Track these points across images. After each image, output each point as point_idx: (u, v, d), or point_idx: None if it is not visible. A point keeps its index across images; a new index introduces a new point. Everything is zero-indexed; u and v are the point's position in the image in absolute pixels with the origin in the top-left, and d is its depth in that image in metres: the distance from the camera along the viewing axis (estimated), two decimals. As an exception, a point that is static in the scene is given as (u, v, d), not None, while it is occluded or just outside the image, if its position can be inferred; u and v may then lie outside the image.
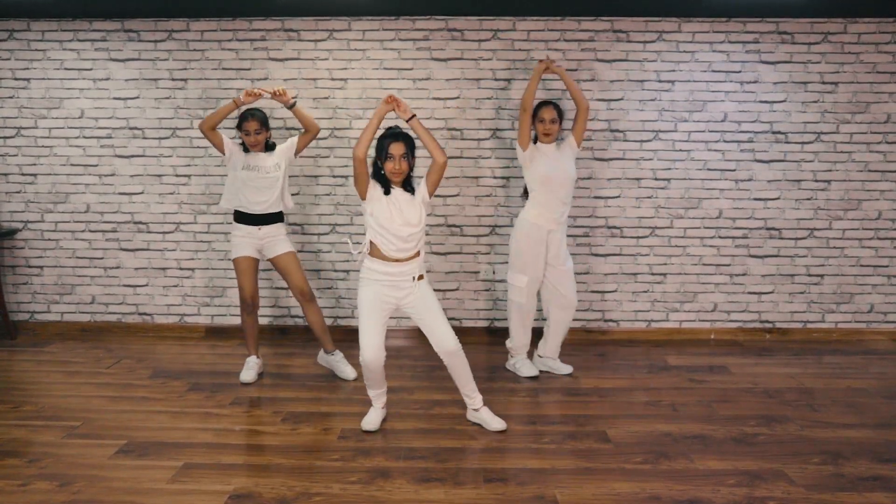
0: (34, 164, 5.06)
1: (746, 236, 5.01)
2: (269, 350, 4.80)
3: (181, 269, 5.12)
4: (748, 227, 5.00)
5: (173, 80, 4.94)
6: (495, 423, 3.49)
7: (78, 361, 4.57)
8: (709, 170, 4.94)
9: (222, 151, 4.09)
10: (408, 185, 3.38)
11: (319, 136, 4.91)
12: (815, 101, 4.88)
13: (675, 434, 3.46)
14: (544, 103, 4.12)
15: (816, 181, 4.96)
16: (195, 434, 3.46)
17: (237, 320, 5.15)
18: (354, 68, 4.89)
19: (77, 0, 4.40)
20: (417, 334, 5.09)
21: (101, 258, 5.14)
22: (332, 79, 4.91)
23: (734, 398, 3.95)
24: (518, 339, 4.30)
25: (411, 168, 3.37)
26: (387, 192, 3.33)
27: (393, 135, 3.31)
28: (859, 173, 4.94)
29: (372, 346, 3.31)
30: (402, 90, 4.89)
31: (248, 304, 4.18)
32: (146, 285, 5.15)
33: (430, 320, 3.39)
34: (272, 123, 4.85)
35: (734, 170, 4.95)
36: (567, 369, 4.34)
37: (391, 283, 3.34)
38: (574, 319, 5.09)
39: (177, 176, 5.03)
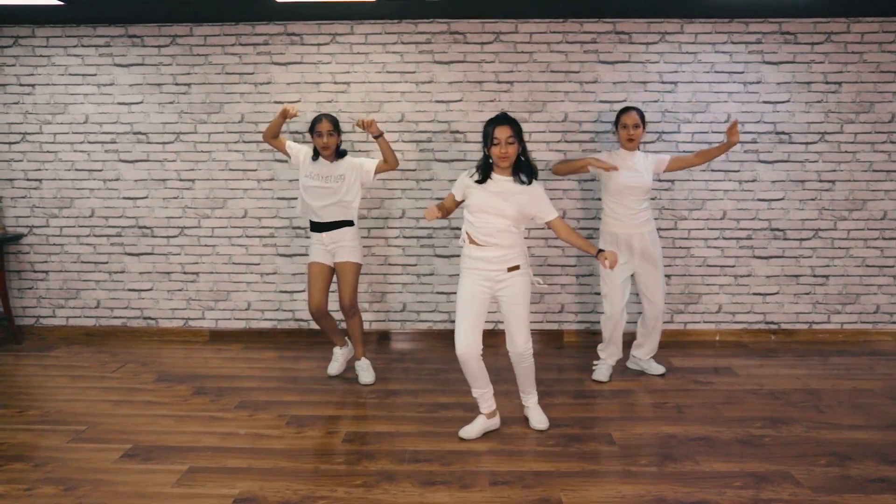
0: (39, 170, 5.08)
1: (751, 237, 4.99)
2: (273, 353, 4.81)
3: (185, 273, 5.13)
4: (752, 228, 4.99)
5: (177, 84, 4.96)
6: (537, 422, 3.54)
7: (83, 366, 4.59)
8: (712, 171, 4.93)
9: (287, 155, 4.15)
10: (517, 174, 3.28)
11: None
12: (819, 102, 4.87)
13: (680, 436, 3.45)
14: (626, 109, 4.08)
15: (821, 181, 4.94)
16: (200, 438, 3.46)
17: (241, 324, 5.16)
18: (357, 72, 4.90)
19: (81, 6, 4.41)
20: (423, 337, 5.09)
21: (106, 262, 5.15)
22: (335, 82, 4.92)
23: (740, 400, 3.94)
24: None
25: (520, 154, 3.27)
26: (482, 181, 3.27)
27: (497, 118, 3.23)
28: (864, 173, 4.93)
29: (462, 341, 3.29)
30: (404, 93, 4.90)
31: (313, 313, 4.17)
32: (151, 289, 5.17)
33: (510, 318, 3.36)
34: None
35: (738, 171, 4.93)
36: (660, 369, 4.38)
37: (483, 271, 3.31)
38: (578, 322, 5.11)
39: (181, 180, 5.04)
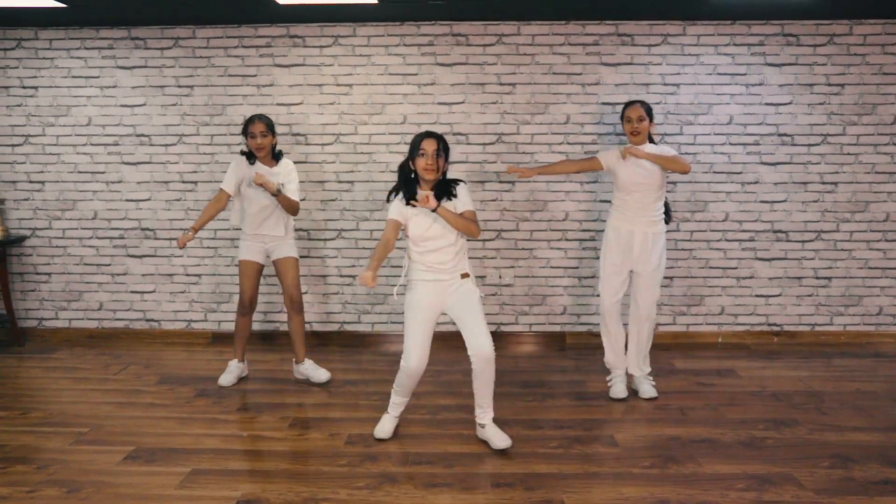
0: (42, 172, 5.09)
1: (753, 239, 4.99)
2: (275, 356, 4.81)
3: (188, 275, 5.14)
4: (755, 230, 4.98)
5: (180, 86, 4.97)
6: (499, 441, 3.32)
7: (86, 368, 4.59)
8: (715, 172, 4.93)
9: (231, 194, 4.06)
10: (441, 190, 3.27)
11: (325, 141, 4.95)
12: (822, 104, 4.87)
13: (682, 438, 3.45)
14: (631, 102, 3.98)
15: (823, 183, 4.94)
16: (202, 440, 3.46)
17: (244, 326, 5.15)
18: (360, 74, 4.91)
19: (84, 8, 4.43)
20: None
21: (109, 265, 5.16)
22: (338, 84, 4.92)
23: (742, 402, 3.94)
24: None
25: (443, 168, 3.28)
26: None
27: (425, 133, 3.24)
28: (866, 175, 4.92)
29: (418, 355, 3.27)
30: (406, 95, 4.90)
31: (246, 307, 4.20)
32: (153, 291, 5.17)
33: (471, 321, 3.28)
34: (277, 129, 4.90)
35: (740, 172, 4.93)
36: (650, 392, 4.05)
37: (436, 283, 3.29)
38: (579, 324, 5.11)
39: (183, 182, 5.05)
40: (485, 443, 3.38)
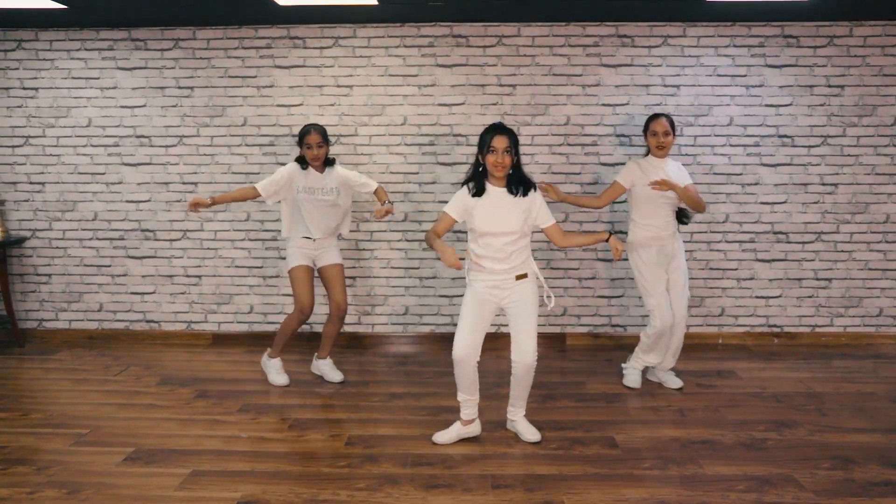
0: (42, 173, 5.09)
1: (753, 240, 4.99)
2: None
3: (188, 276, 5.14)
4: (755, 231, 4.98)
5: (180, 88, 4.97)
6: (531, 434, 3.42)
7: (86, 369, 4.59)
8: (715, 174, 4.93)
9: (281, 192, 4.05)
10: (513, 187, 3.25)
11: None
12: (822, 105, 4.87)
13: (683, 439, 3.45)
14: (656, 115, 3.97)
15: (823, 185, 4.94)
16: (203, 441, 3.46)
17: (244, 327, 5.16)
18: (360, 75, 4.91)
19: (84, 9, 4.43)
20: (425, 340, 5.09)
21: (109, 266, 5.16)
22: (338, 85, 4.93)
23: (742, 403, 3.93)
24: None
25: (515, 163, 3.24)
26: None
27: (494, 128, 3.21)
28: (866, 176, 4.92)
29: (462, 344, 3.26)
30: (407, 96, 4.90)
31: (306, 314, 4.15)
32: (153, 293, 5.17)
33: (520, 326, 3.28)
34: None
35: (740, 174, 4.93)
36: (677, 383, 4.19)
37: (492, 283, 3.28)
38: (580, 325, 5.11)
39: (183, 184, 5.05)
40: (484, 442, 3.39)
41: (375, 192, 4.17)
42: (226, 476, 3.09)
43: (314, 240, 4.12)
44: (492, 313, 3.32)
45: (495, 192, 3.24)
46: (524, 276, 3.29)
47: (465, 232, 3.38)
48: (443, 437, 3.42)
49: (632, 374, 4.21)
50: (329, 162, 4.12)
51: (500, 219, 3.21)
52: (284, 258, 5.05)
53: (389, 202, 4.05)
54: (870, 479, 3.02)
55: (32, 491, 2.96)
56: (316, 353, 4.39)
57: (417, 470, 3.14)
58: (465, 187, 3.28)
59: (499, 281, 3.26)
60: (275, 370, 4.27)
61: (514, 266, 3.26)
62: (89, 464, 3.21)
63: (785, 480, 3.02)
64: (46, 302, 5.22)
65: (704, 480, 3.03)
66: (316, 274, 4.26)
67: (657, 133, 3.93)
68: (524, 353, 3.26)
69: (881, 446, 3.35)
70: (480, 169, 3.26)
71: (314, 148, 3.98)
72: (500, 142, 3.16)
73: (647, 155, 4.07)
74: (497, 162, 3.17)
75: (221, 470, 3.15)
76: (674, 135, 3.96)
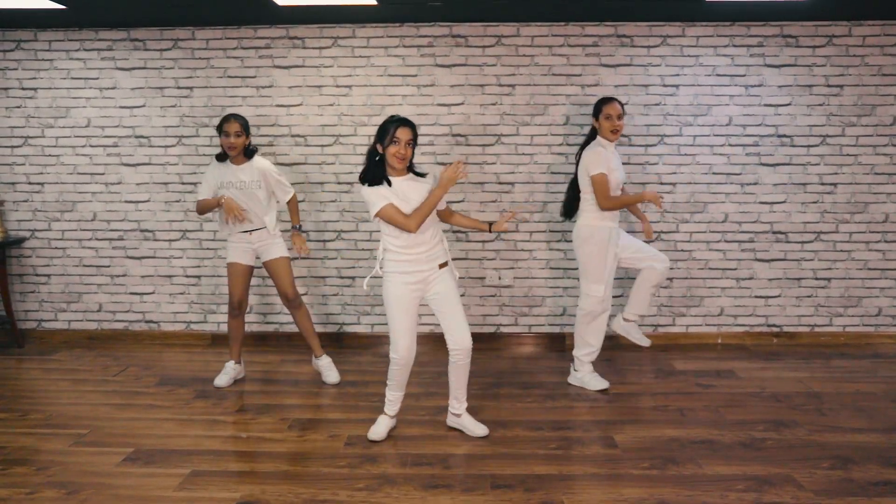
0: (41, 174, 5.09)
1: (753, 240, 4.99)
2: (275, 357, 4.81)
3: (187, 276, 5.14)
4: (754, 231, 4.98)
5: (179, 88, 4.97)
6: (478, 429, 3.47)
7: (85, 369, 4.59)
8: (714, 174, 4.94)
9: (214, 201, 4.04)
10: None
11: (325, 143, 4.95)
12: (821, 105, 4.87)
13: (682, 439, 3.45)
14: (609, 98, 3.87)
15: (822, 184, 4.94)
16: (202, 441, 3.46)
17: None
18: (359, 75, 4.91)
19: (83, 10, 4.43)
20: (424, 340, 5.08)
21: (108, 266, 5.16)
22: (337, 86, 4.93)
23: (742, 402, 3.94)
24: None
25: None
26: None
27: (399, 120, 3.21)
28: (866, 176, 4.93)
29: (406, 346, 3.30)
30: (406, 96, 4.90)
31: (235, 309, 4.21)
32: (153, 293, 5.17)
33: (450, 313, 3.33)
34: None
35: (740, 173, 4.94)
36: (645, 342, 4.21)
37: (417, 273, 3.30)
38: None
39: (182, 184, 5.05)
40: (483, 442, 3.39)
41: (288, 203, 4.14)
42: (225, 476, 3.09)
43: (250, 232, 4.12)
44: (417, 307, 3.35)
45: (399, 180, 3.24)
46: (445, 264, 3.35)
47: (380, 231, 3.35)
48: (377, 433, 3.45)
49: (587, 377, 4.16)
50: (248, 153, 4.08)
51: (420, 201, 3.21)
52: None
53: (300, 226, 4.10)
54: (869, 479, 3.02)
55: (32, 491, 2.96)
56: (313, 354, 4.40)
57: (417, 470, 3.14)
58: (367, 183, 3.22)
59: (425, 274, 3.29)
60: (224, 371, 4.28)
61: (436, 254, 3.31)
62: (89, 464, 3.21)
63: (784, 480, 3.02)
64: (46, 302, 5.22)
65: (704, 480, 3.03)
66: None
67: (611, 116, 3.82)
68: (463, 339, 3.32)
69: (880, 446, 3.35)
70: (377, 159, 3.23)
71: (231, 136, 3.95)
72: (404, 133, 3.16)
73: (593, 139, 3.96)
74: (399, 153, 3.16)
75: (221, 470, 3.15)
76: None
